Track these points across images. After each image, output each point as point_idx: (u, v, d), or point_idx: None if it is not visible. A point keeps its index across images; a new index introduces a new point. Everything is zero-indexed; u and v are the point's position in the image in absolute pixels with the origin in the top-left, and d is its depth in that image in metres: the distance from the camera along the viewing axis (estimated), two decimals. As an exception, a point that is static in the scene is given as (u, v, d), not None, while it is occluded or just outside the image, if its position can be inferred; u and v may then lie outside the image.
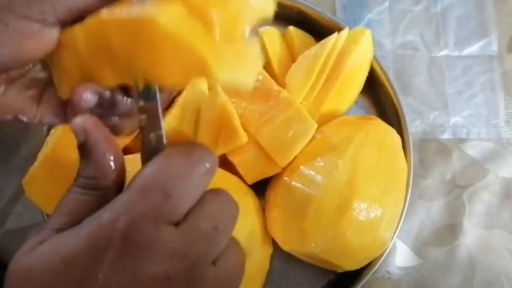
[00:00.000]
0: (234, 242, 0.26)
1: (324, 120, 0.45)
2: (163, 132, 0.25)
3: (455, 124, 0.52)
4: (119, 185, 0.25)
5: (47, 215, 0.44)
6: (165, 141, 0.25)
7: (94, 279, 0.21)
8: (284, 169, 0.43)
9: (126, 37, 0.24)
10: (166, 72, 0.24)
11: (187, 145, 0.25)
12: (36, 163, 0.43)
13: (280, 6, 0.52)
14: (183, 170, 0.23)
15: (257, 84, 0.44)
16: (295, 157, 0.42)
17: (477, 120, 0.52)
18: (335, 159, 0.40)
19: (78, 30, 0.26)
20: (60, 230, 0.23)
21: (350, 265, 0.43)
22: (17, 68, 0.28)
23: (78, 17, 0.27)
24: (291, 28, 0.49)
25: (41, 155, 0.44)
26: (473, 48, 0.54)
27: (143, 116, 0.25)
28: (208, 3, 0.24)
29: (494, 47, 0.54)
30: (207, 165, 0.24)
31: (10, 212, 0.49)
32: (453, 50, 0.54)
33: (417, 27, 0.54)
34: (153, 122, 0.25)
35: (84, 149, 0.24)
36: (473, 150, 0.51)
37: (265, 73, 0.44)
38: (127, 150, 0.45)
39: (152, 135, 0.25)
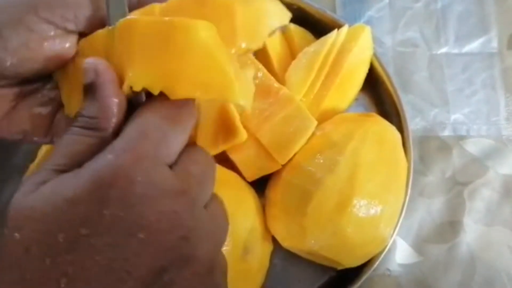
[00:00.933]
0: (216, 195, 0.28)
1: (324, 117, 0.45)
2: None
3: (455, 121, 0.52)
4: (118, 131, 0.25)
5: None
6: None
7: (99, 216, 0.21)
8: (284, 166, 0.43)
9: (155, 40, 0.24)
10: (184, 82, 0.24)
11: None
12: (36, 161, 0.44)
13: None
14: (174, 113, 0.25)
15: (257, 81, 0.44)
16: (295, 154, 0.42)
17: (477, 117, 0.52)
18: (335, 155, 0.40)
19: (101, 33, 0.27)
20: (59, 171, 0.24)
21: (350, 262, 0.43)
22: (34, 74, 0.28)
23: (96, 27, 0.27)
24: (291, 25, 0.49)
25: (41, 153, 0.44)
26: (473, 45, 0.54)
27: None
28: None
29: (494, 44, 0.54)
30: (191, 109, 0.26)
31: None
32: (453, 47, 0.54)
33: (417, 24, 0.54)
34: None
35: (91, 88, 0.25)
36: (473, 147, 0.51)
37: (265, 70, 0.44)
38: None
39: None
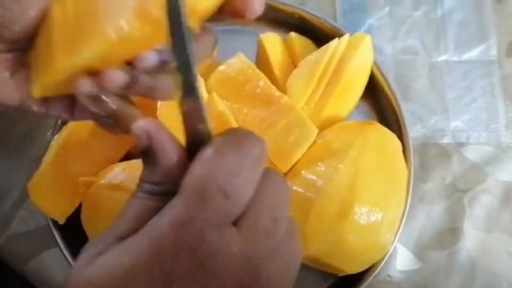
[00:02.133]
0: (290, 225, 0.24)
1: (325, 125, 0.46)
2: (209, 124, 0.23)
3: (455, 128, 0.52)
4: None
5: (51, 220, 0.45)
6: (211, 132, 0.23)
7: None
8: (285, 174, 0.43)
9: None
10: None
11: (234, 134, 0.23)
12: (40, 168, 0.44)
13: (281, 12, 0.54)
14: (237, 164, 0.21)
15: (258, 90, 0.44)
16: (296, 162, 0.43)
17: (477, 124, 0.53)
18: (336, 163, 0.41)
19: None
20: (123, 238, 0.22)
21: (352, 269, 0.43)
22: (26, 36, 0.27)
23: None
24: (292, 34, 0.50)
25: (45, 160, 0.44)
26: (473, 53, 0.54)
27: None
28: None
29: (494, 52, 0.54)
30: (258, 153, 0.22)
31: (14, 216, 0.50)
32: (453, 55, 0.54)
33: (417, 32, 0.54)
34: (196, 114, 0.22)
35: (148, 154, 0.23)
36: (473, 154, 0.52)
37: (266, 79, 0.44)
38: (129, 155, 0.45)
39: (197, 128, 0.23)
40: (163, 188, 0.23)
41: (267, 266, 0.22)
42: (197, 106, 0.22)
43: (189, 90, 0.22)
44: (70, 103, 0.31)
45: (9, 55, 0.29)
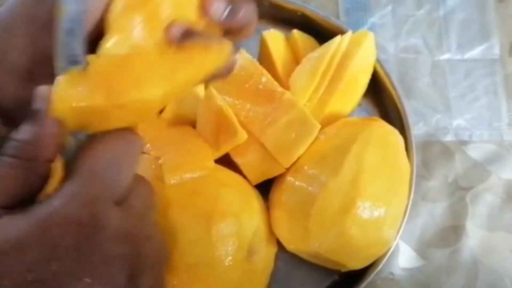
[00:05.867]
0: (155, 224, 0.28)
1: (327, 122, 0.46)
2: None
3: (457, 126, 0.52)
4: (49, 167, 0.23)
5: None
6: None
7: (46, 263, 0.22)
8: (288, 169, 0.43)
9: None
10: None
11: (114, 132, 0.26)
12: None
13: (284, 10, 0.54)
14: (122, 152, 0.25)
15: (261, 87, 0.45)
16: (299, 158, 0.43)
17: (479, 122, 0.53)
18: (338, 158, 0.41)
19: None
20: (4, 208, 0.23)
21: (354, 264, 0.43)
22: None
23: None
24: (295, 32, 0.50)
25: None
26: (475, 52, 0.54)
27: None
28: None
29: (496, 51, 0.54)
30: (138, 145, 0.26)
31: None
32: (456, 53, 0.54)
33: (420, 31, 0.55)
34: None
35: (34, 113, 0.23)
36: (475, 152, 0.52)
37: (269, 75, 0.45)
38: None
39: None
40: (30, 149, 0.23)
41: (144, 244, 0.25)
42: None
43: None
44: None
45: None
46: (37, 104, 0.23)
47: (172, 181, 0.40)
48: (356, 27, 0.53)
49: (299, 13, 0.51)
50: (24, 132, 0.23)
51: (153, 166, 0.41)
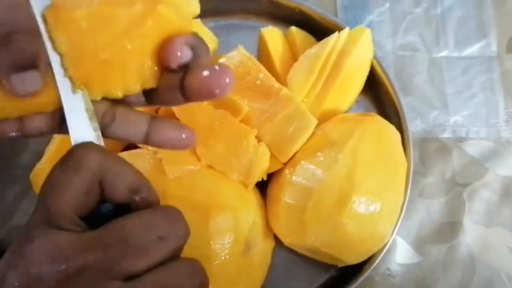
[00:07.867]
0: None
1: (324, 118, 0.46)
2: None
3: (455, 123, 0.53)
4: None
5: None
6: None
7: None
8: (285, 164, 0.44)
9: None
10: None
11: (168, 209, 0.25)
12: (43, 158, 0.44)
13: (282, 7, 0.54)
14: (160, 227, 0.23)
15: (258, 82, 0.45)
16: (296, 153, 0.43)
17: (476, 119, 0.53)
18: (334, 153, 0.41)
19: None
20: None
21: (350, 258, 0.43)
22: None
23: None
24: (293, 28, 0.50)
25: (48, 150, 0.45)
26: (473, 49, 0.54)
27: None
28: None
29: (493, 48, 0.54)
30: (181, 234, 0.25)
31: (17, 208, 0.50)
32: (453, 50, 0.54)
33: (417, 28, 0.55)
34: None
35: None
36: (472, 149, 0.52)
37: (266, 71, 0.45)
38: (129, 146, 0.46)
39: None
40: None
41: None
42: None
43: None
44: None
45: None
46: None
47: (175, 175, 0.40)
48: (353, 24, 0.53)
49: (297, 10, 0.51)
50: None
51: (151, 161, 0.41)
